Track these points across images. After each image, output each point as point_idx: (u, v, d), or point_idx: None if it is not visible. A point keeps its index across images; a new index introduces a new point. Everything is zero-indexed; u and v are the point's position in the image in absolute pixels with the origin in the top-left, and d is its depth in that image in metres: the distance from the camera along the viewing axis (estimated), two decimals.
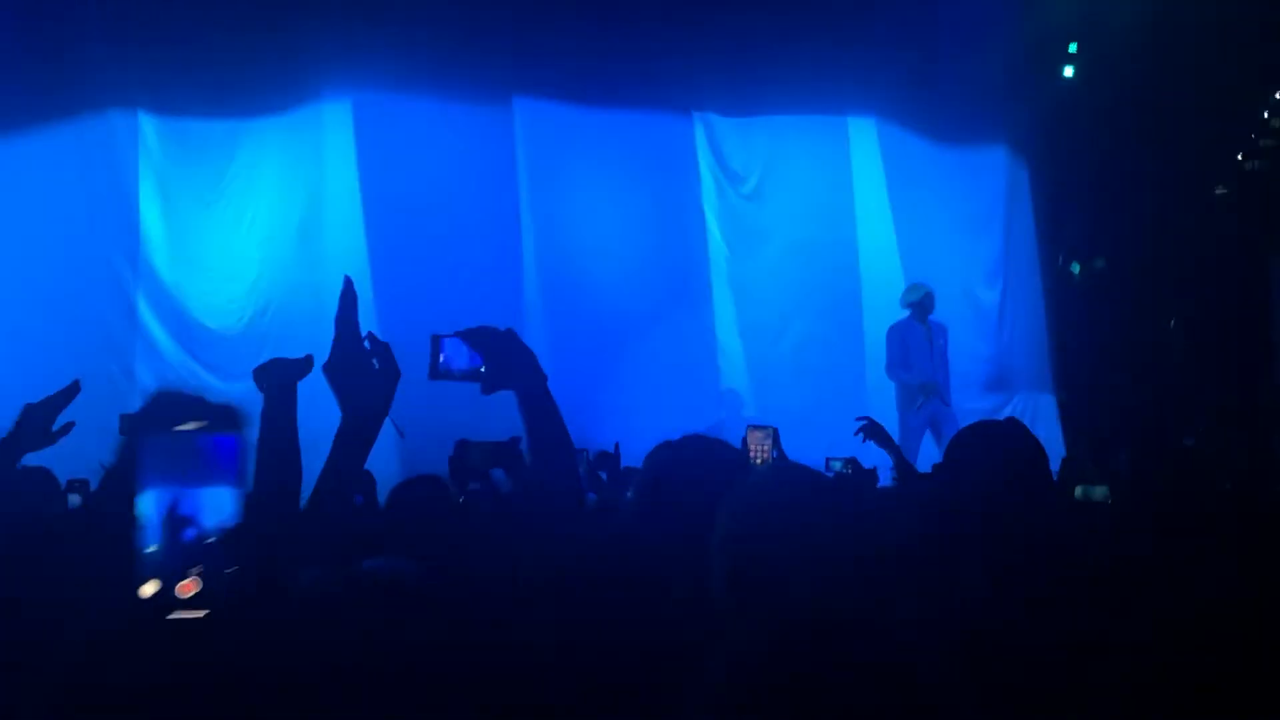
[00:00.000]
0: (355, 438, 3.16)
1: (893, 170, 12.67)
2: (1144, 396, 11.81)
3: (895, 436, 10.71)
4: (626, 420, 10.28)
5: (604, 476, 7.51)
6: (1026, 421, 6.52)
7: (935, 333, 11.14)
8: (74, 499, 6.60)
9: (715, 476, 2.78)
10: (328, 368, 3.18)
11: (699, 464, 2.93)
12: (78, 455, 5.41)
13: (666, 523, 2.77)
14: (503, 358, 3.36)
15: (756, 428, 10.06)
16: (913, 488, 5.85)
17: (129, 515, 2.09)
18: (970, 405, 11.30)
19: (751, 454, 7.08)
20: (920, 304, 11.16)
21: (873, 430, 6.64)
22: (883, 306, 12.28)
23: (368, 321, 10.38)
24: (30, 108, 10.22)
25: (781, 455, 8.91)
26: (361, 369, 3.19)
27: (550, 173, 11.55)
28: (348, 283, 3.23)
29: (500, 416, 3.57)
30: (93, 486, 6.51)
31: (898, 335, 11.19)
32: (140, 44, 10.39)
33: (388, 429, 3.37)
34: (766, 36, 11.92)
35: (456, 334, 3.36)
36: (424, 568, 2.74)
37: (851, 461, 7.54)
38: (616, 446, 8.07)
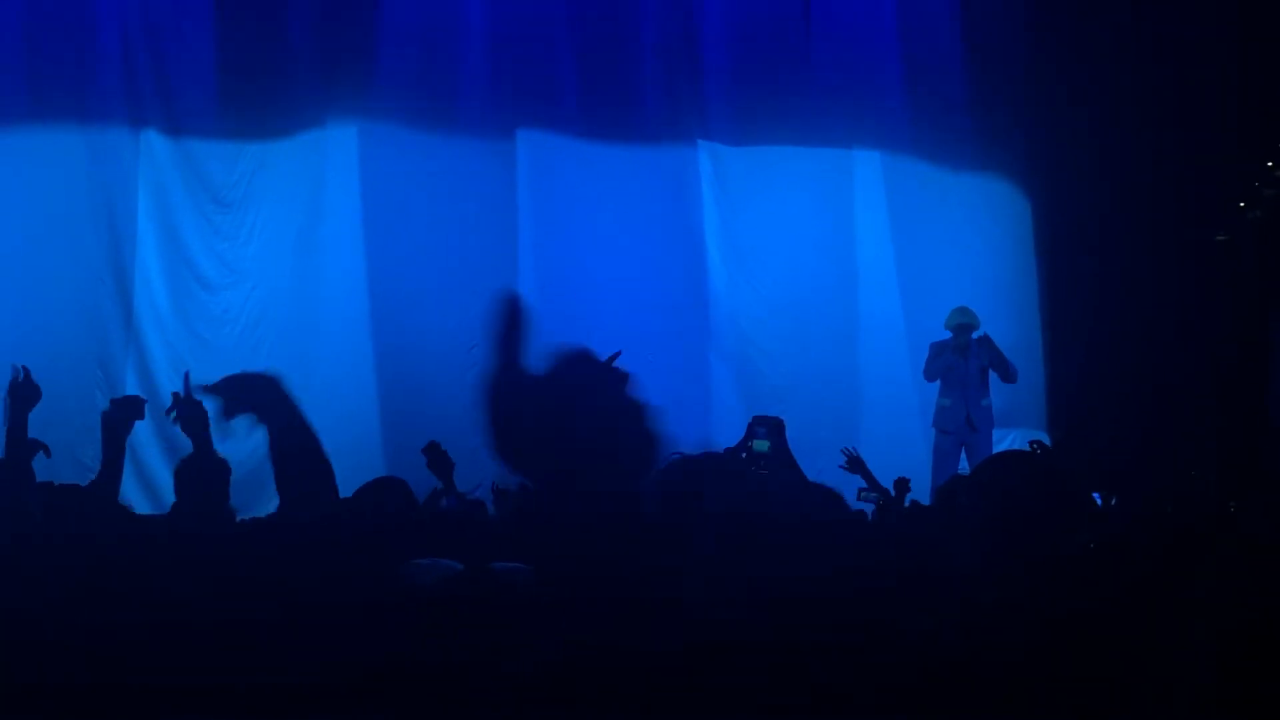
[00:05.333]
0: None
1: (895, 201, 12.87)
2: (1135, 438, 11.94)
3: (929, 460, 11.05)
4: None
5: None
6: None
7: (974, 354, 11.42)
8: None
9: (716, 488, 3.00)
10: None
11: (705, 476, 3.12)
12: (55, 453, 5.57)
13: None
14: None
15: (762, 419, 10.26)
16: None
17: None
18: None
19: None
20: (956, 328, 11.66)
21: (854, 463, 7.06)
22: (879, 337, 12.45)
23: (363, 338, 10.75)
24: (41, 112, 10.60)
25: (785, 448, 9.05)
26: None
27: (551, 203, 12.07)
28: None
29: None
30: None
31: (935, 351, 11.74)
32: (152, 60, 10.96)
33: None
34: (772, 67, 12.44)
35: None
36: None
37: (885, 492, 7.79)
38: None
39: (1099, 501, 8.49)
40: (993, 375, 11.72)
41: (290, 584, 3.09)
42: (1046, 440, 12.30)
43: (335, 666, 2.82)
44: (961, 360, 11.50)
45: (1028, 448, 7.96)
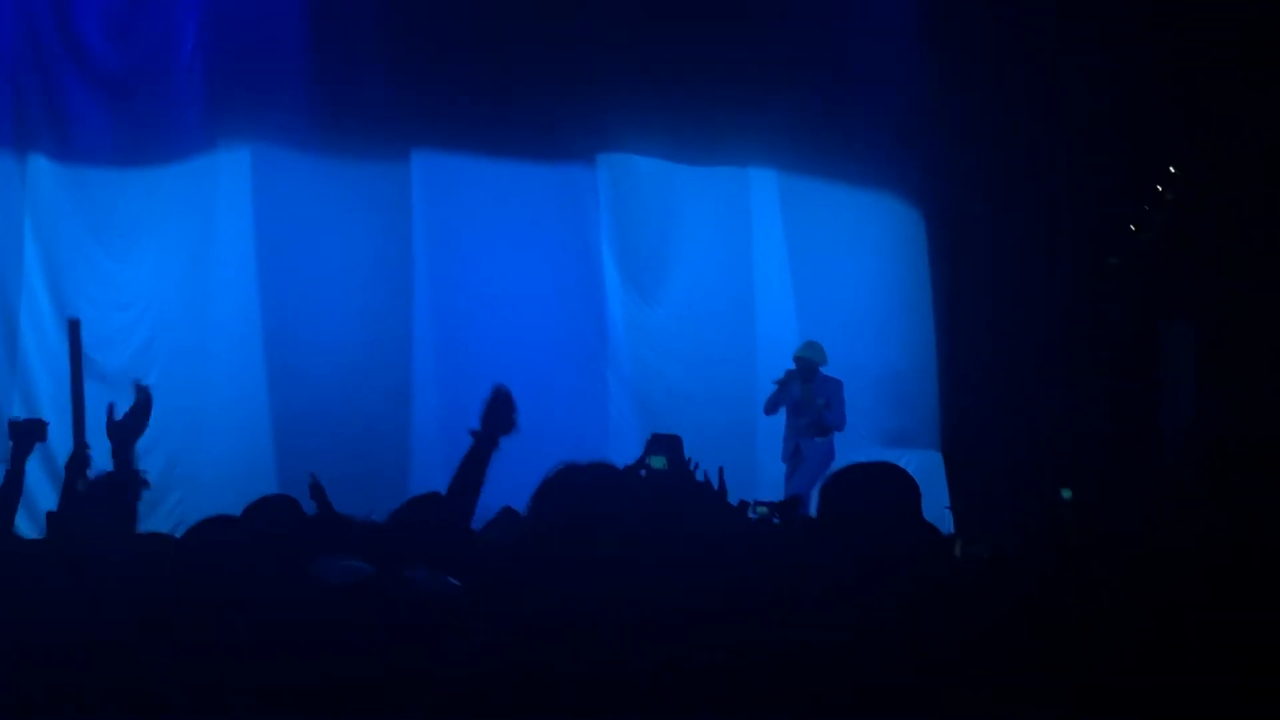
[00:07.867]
0: None
1: (791, 218, 13.03)
2: (1028, 456, 12.16)
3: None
4: (518, 463, 10.43)
5: None
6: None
7: (816, 391, 11.62)
8: None
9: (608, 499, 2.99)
10: None
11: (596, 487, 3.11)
12: None
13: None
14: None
15: (660, 437, 10.37)
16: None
17: None
18: (862, 459, 11.56)
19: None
20: (796, 360, 11.87)
21: None
22: (775, 352, 12.60)
23: (256, 360, 10.72)
24: None
25: (684, 465, 9.14)
26: None
27: (446, 223, 12.21)
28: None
29: None
30: None
31: (780, 382, 11.87)
32: (40, 85, 10.99)
33: None
34: (671, 83, 12.54)
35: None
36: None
37: (778, 507, 7.90)
38: None
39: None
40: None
41: (194, 599, 3.09)
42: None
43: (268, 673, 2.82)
44: (799, 393, 11.67)
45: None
